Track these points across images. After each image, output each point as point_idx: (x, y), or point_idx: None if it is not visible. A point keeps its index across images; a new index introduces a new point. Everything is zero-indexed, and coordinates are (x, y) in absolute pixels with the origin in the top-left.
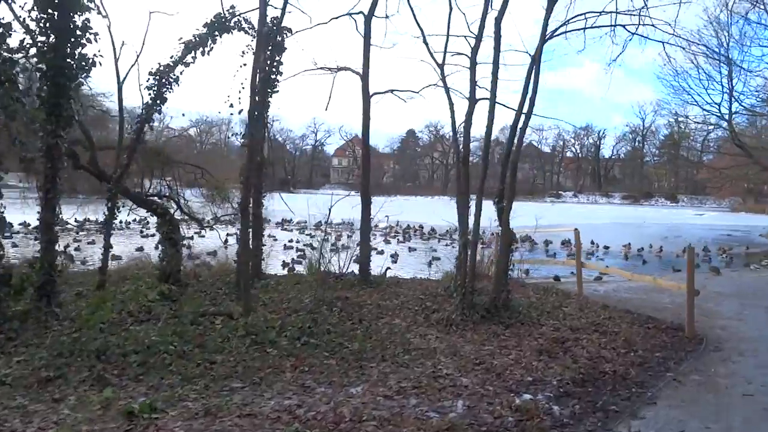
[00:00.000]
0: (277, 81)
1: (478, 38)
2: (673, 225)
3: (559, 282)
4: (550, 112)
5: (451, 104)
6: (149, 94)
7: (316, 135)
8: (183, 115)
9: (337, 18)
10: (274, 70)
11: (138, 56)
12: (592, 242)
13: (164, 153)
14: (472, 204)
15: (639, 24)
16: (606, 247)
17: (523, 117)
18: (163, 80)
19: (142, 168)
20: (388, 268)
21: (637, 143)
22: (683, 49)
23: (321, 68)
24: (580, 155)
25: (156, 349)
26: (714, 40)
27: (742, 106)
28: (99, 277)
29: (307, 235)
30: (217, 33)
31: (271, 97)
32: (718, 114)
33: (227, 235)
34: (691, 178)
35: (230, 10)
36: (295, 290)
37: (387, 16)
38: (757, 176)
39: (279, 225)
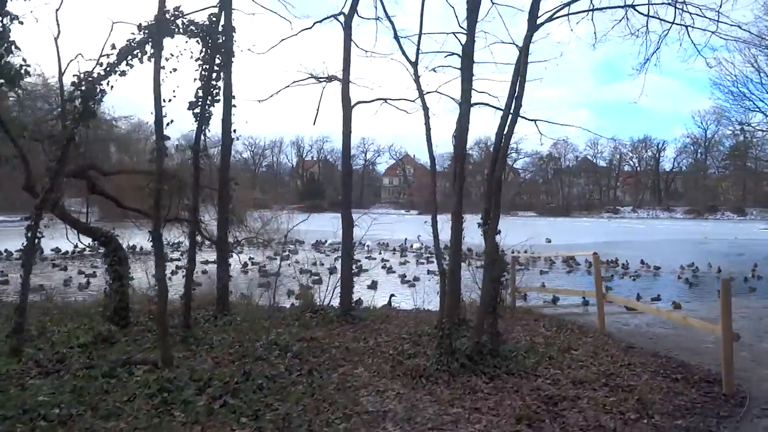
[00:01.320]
0: (217, 89)
1: (470, 33)
2: (738, 241)
3: (587, 310)
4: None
5: (426, 108)
6: (73, 107)
7: (365, 155)
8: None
9: (320, 21)
10: (214, 76)
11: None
12: (642, 262)
13: (178, 176)
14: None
15: (676, 9)
16: (657, 268)
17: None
18: (91, 91)
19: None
20: (392, 295)
21: (699, 155)
22: (734, 40)
23: (311, 76)
24: (638, 169)
25: (34, 413)
26: None
27: None
28: (15, 319)
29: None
30: (158, 37)
31: (212, 106)
32: None
33: (250, 259)
34: (761, 190)
35: (175, 12)
36: (261, 327)
37: (378, 18)
38: None
39: (314, 246)
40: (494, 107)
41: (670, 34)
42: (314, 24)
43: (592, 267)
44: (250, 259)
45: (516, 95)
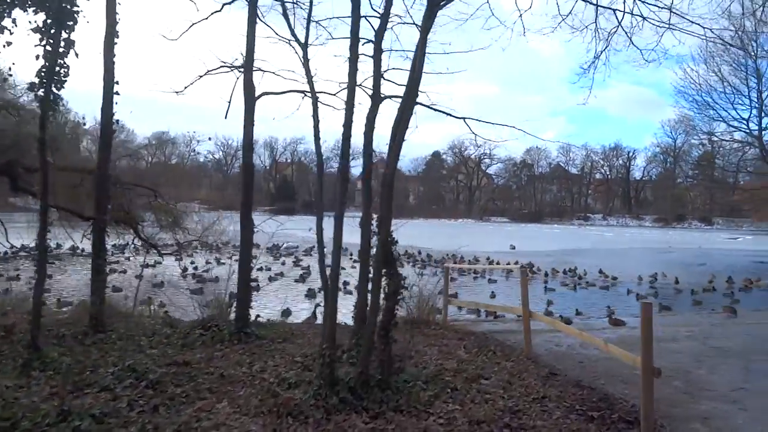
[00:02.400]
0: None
1: (384, 17)
2: (702, 250)
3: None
4: (581, 134)
5: (315, 97)
6: None
7: (339, 157)
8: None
9: (229, 3)
10: (62, 51)
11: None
12: (601, 271)
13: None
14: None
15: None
16: (614, 278)
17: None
18: None
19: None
20: (318, 305)
21: (668, 164)
22: (689, 34)
23: (223, 65)
24: (609, 177)
25: None
26: (740, 51)
27: None
28: None
29: (292, 262)
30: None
31: (61, 88)
32: (747, 130)
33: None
34: (728, 200)
35: None
36: (133, 348)
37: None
38: None
39: (269, 251)
40: (421, 105)
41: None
42: (223, 6)
43: (549, 276)
44: (191, 263)
45: (412, 82)
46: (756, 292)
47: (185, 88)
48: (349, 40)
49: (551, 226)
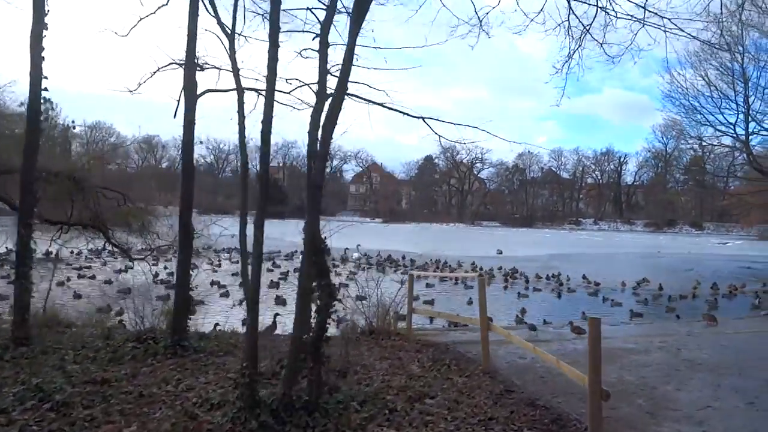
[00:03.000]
0: None
1: (331, 9)
2: (690, 256)
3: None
4: (573, 139)
5: (240, 92)
6: None
7: (331, 162)
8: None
9: None
10: None
11: None
12: (584, 277)
13: (78, 177)
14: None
15: None
16: (597, 284)
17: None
18: None
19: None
20: (277, 314)
21: (659, 169)
22: (661, 29)
23: (173, 62)
24: (601, 181)
25: None
26: (727, 55)
27: (761, 126)
28: None
29: (267, 269)
30: None
31: None
32: (734, 135)
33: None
34: (718, 205)
35: None
36: (55, 360)
37: None
38: None
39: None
40: (365, 100)
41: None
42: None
43: (530, 282)
44: (165, 268)
45: (343, 75)
46: (740, 298)
47: (138, 86)
48: (301, 34)
49: (542, 230)
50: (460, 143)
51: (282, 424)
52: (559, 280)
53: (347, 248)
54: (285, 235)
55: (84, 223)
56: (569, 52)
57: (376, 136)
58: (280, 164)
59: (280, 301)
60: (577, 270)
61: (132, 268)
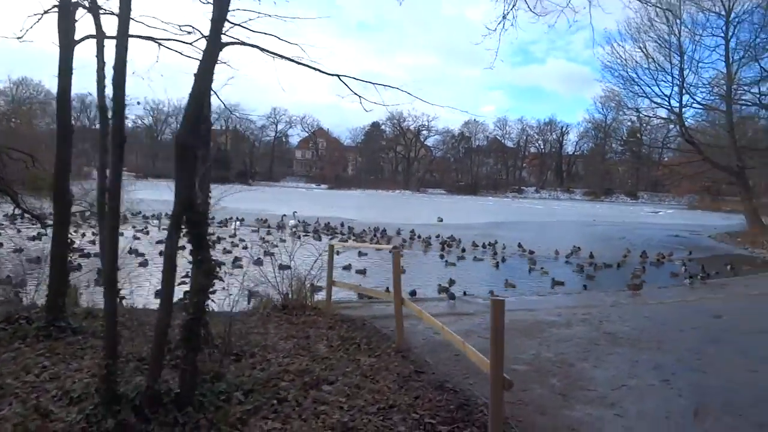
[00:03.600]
0: None
1: None
2: (625, 224)
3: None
4: (518, 108)
5: (101, 34)
6: None
7: (276, 126)
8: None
9: None
10: None
11: None
12: (519, 245)
13: None
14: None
15: None
16: (531, 252)
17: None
18: None
19: None
20: (187, 292)
21: (599, 139)
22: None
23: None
24: (543, 151)
25: None
26: (665, 27)
27: (693, 99)
28: None
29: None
30: None
31: None
32: (668, 107)
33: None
34: (652, 175)
35: None
36: None
37: None
38: (711, 174)
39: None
40: (270, 52)
41: None
42: None
43: (465, 251)
44: (83, 235)
45: (216, 20)
46: (668, 266)
47: (24, 32)
48: None
49: (486, 198)
50: (383, 105)
51: (145, 422)
52: (494, 249)
53: (284, 215)
54: (224, 201)
55: None
56: (503, 13)
57: (322, 101)
58: (223, 127)
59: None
60: (515, 238)
61: (45, 235)
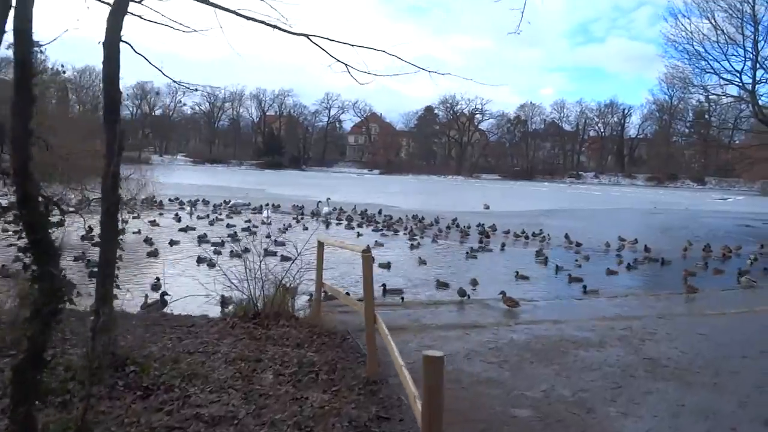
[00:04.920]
0: None
1: None
2: (688, 212)
3: (431, 315)
4: (578, 90)
5: None
6: None
7: (329, 111)
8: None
9: None
10: None
11: None
12: (566, 236)
13: None
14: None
15: None
16: (578, 244)
17: None
18: None
19: None
20: (165, 293)
21: (663, 121)
22: None
23: None
24: (603, 134)
25: None
26: None
27: None
28: None
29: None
30: None
31: None
32: (740, 84)
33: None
34: (722, 159)
35: None
36: None
37: None
38: None
39: (220, 207)
40: (218, 6)
41: None
42: None
43: (530, 243)
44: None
45: None
46: (735, 261)
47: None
48: None
49: (541, 184)
50: (373, 75)
51: None
52: (543, 239)
53: (319, 201)
54: (271, 186)
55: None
56: None
57: (374, 85)
58: (276, 113)
59: (204, 260)
60: (564, 227)
61: (63, 222)
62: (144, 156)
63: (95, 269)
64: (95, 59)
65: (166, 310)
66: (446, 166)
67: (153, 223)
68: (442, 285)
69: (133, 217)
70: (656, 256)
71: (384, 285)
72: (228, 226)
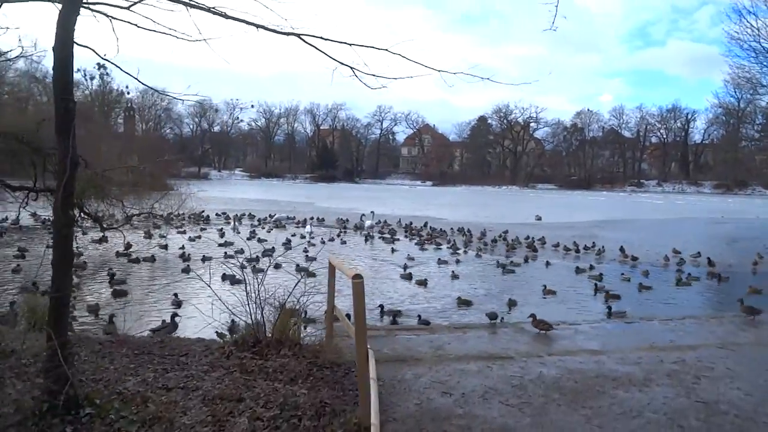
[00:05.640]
0: None
1: None
2: (759, 221)
3: (444, 345)
4: (637, 96)
5: None
6: None
7: (381, 123)
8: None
9: None
10: None
11: None
12: (621, 249)
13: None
14: None
15: None
16: (634, 258)
17: None
18: None
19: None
20: (175, 315)
21: (731, 125)
22: None
23: None
24: (666, 140)
25: None
26: None
27: None
28: None
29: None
30: None
31: None
32: None
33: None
34: None
35: None
36: None
37: None
38: None
39: (265, 222)
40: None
41: None
42: None
43: (581, 257)
44: (159, 236)
45: None
46: None
47: None
48: None
49: (599, 193)
50: (377, 77)
51: None
52: (597, 252)
53: (363, 214)
54: (320, 199)
55: (37, 189)
56: None
57: (427, 97)
58: (330, 126)
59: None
60: (619, 240)
61: (105, 238)
62: (203, 171)
63: (117, 288)
64: (155, 79)
65: (177, 332)
66: (500, 176)
67: (196, 238)
68: (463, 303)
69: (178, 232)
70: (723, 271)
71: (381, 306)
72: (259, 240)
